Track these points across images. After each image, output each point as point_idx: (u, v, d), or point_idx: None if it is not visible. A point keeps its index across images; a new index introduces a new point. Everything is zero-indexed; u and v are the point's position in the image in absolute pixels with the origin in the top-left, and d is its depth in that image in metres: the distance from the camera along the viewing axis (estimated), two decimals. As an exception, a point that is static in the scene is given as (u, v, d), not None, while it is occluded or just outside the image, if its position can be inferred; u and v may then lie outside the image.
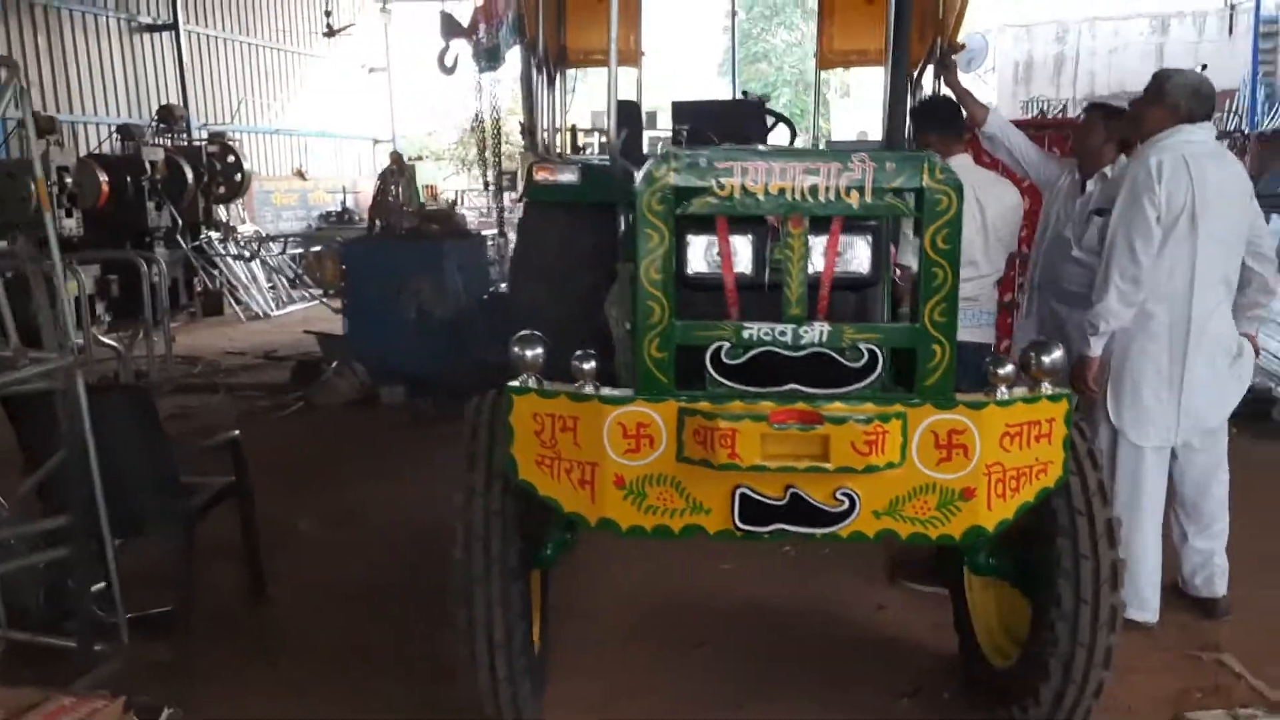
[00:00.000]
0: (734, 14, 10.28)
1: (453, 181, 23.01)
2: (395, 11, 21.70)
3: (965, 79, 4.93)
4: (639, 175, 2.46)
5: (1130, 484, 3.71)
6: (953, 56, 4.79)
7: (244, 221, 15.45)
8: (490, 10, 8.02)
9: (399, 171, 8.21)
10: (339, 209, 18.01)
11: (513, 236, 11.05)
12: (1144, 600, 3.73)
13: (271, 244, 14.65)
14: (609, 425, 2.47)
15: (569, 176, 4.69)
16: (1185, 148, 3.55)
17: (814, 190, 2.38)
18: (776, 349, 2.45)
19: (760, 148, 2.85)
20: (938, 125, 4.09)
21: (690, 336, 2.46)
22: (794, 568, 4.42)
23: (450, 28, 7.84)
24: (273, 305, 13.75)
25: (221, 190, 14.30)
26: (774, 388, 2.46)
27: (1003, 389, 2.50)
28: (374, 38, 21.46)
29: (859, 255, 2.68)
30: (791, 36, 35.98)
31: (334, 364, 8.19)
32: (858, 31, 5.63)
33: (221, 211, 14.44)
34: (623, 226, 4.34)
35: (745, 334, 2.46)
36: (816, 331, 2.45)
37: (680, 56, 35.03)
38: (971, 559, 3.13)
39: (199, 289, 13.27)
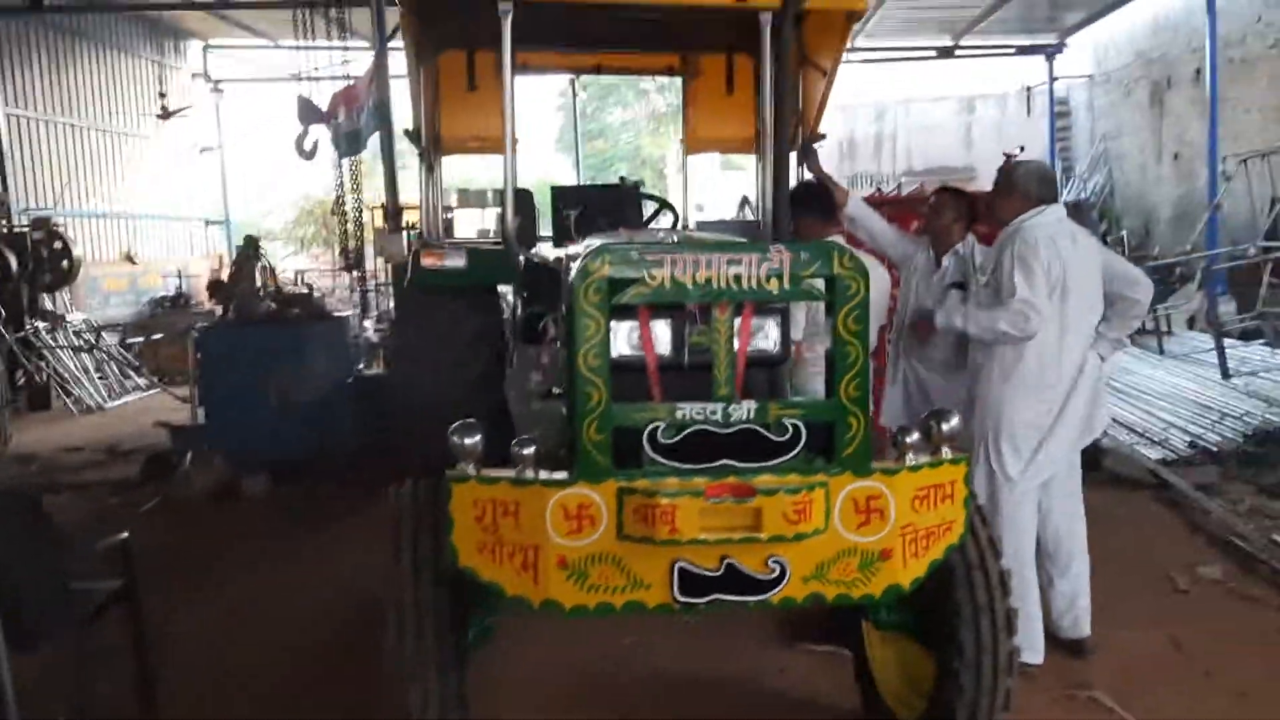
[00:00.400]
0: (575, 95, 10.51)
1: (290, 261, 22.53)
2: (226, 91, 21.30)
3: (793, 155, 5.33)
4: (574, 268, 2.59)
5: (1011, 528, 4.03)
6: (814, 145, 5.14)
7: (69, 310, 14.73)
8: (350, 96, 8.12)
9: (254, 255, 8.08)
10: (173, 293, 17.36)
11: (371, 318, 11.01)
12: (1031, 642, 4.01)
13: (105, 334, 13.99)
14: (551, 508, 2.55)
15: (456, 261, 4.75)
16: (1047, 229, 3.95)
17: (738, 279, 2.56)
18: (708, 427, 2.60)
19: (682, 240, 3.02)
20: (813, 210, 4.39)
21: (627, 419, 2.58)
22: (693, 637, 4.52)
23: (309, 113, 7.88)
24: (106, 396, 13.11)
25: (48, 278, 13.63)
26: (705, 464, 2.59)
27: (910, 455, 2.71)
28: (205, 117, 20.97)
29: (771, 335, 2.89)
30: (626, 114, 37.01)
31: (190, 456, 7.91)
32: (721, 120, 5.95)
33: (48, 300, 13.73)
34: (518, 310, 4.45)
35: (679, 414, 2.60)
36: (744, 409, 2.61)
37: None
38: (875, 616, 3.34)
39: (20, 382, 12.55)
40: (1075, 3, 17.95)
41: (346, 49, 15.30)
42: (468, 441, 2.63)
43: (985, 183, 4.52)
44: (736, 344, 2.71)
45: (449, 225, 14.79)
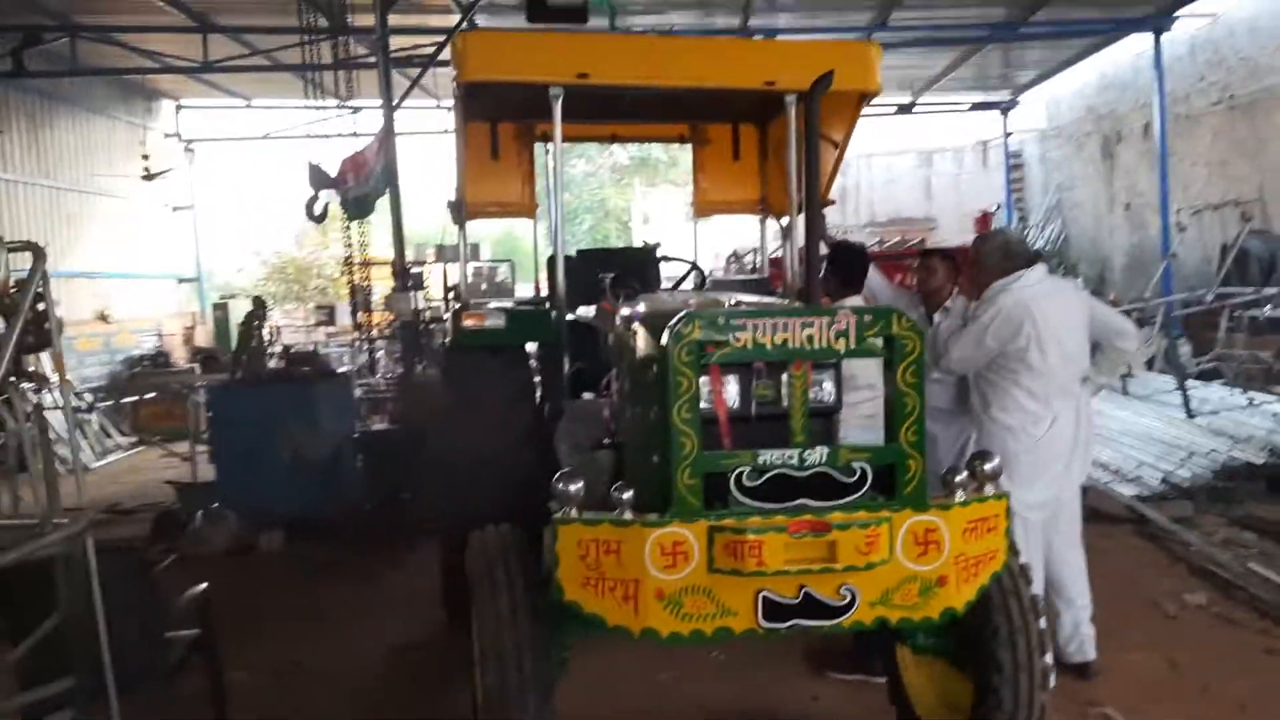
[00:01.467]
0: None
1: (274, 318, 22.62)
2: (198, 150, 21.52)
3: None
4: (666, 333, 2.91)
5: (1033, 557, 4.39)
6: (823, 212, 5.53)
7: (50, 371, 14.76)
8: (359, 161, 8.45)
9: (262, 315, 8.31)
10: (152, 352, 17.43)
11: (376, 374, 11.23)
12: None
13: (87, 395, 14.07)
14: (650, 545, 2.87)
15: (497, 322, 5.05)
16: (1023, 292, 4.42)
17: (810, 339, 2.92)
18: (788, 470, 2.94)
19: (760, 307, 3.37)
20: (840, 270, 4.76)
21: (717, 465, 2.92)
22: (726, 670, 4.83)
23: (319, 179, 8.18)
24: (94, 457, 13.16)
25: (31, 339, 13.66)
26: (784, 503, 2.93)
27: (960, 492, 3.07)
28: (177, 176, 21.14)
29: (827, 388, 3.23)
30: (590, 166, 37.64)
31: (201, 513, 8.08)
32: (728, 184, 6.35)
33: (32, 361, 13.76)
34: (566, 367, 4.76)
35: (761, 459, 2.93)
36: (818, 454, 2.95)
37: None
38: (912, 640, 3.66)
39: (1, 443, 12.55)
40: (1027, 62, 18.76)
41: (323, 108, 15.73)
42: (571, 488, 2.94)
43: (944, 231, 4.99)
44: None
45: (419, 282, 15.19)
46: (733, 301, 3.76)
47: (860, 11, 14.06)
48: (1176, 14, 14.68)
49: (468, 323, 5.06)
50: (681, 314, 2.92)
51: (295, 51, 14.13)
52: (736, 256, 13.44)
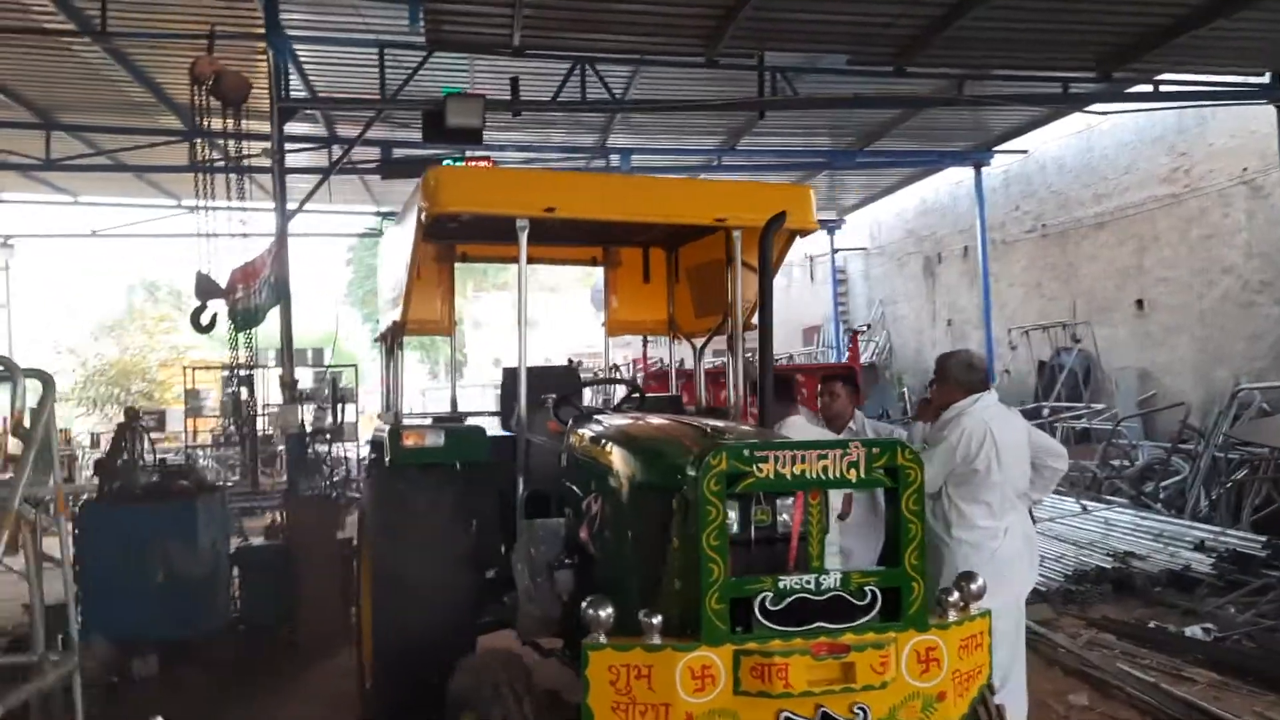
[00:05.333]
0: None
1: (83, 422, 21.29)
2: (18, 246, 20.38)
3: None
4: (690, 463, 3.07)
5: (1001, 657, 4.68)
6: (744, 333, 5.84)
7: None
8: (249, 272, 8.28)
9: (135, 427, 7.90)
10: (-37, 461, 16.16)
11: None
12: None
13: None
14: (680, 669, 2.97)
15: (436, 440, 5.07)
16: (984, 412, 4.80)
17: (825, 470, 3.14)
18: (805, 594, 3.11)
19: (779, 441, 3.56)
20: (782, 394, 5.05)
21: (742, 590, 3.07)
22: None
23: (207, 288, 7.96)
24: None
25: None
26: (802, 626, 3.09)
27: (953, 612, 3.31)
28: (-8, 273, 19.99)
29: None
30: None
31: (59, 638, 7.52)
32: (639, 305, 6.60)
33: None
34: (521, 489, 4.81)
35: (781, 584, 3.10)
36: (833, 578, 3.15)
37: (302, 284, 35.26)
38: None
39: None
40: (852, 186, 20.21)
41: (155, 205, 15.08)
42: (602, 614, 3.03)
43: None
44: (792, 519, 3.26)
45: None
46: (678, 422, 3.97)
47: (713, 135, 14.82)
48: (995, 150, 16.15)
49: (407, 441, 5.06)
50: (710, 446, 3.09)
51: (143, 153, 13.83)
52: (617, 368, 13.73)
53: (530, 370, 4.99)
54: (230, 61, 8.20)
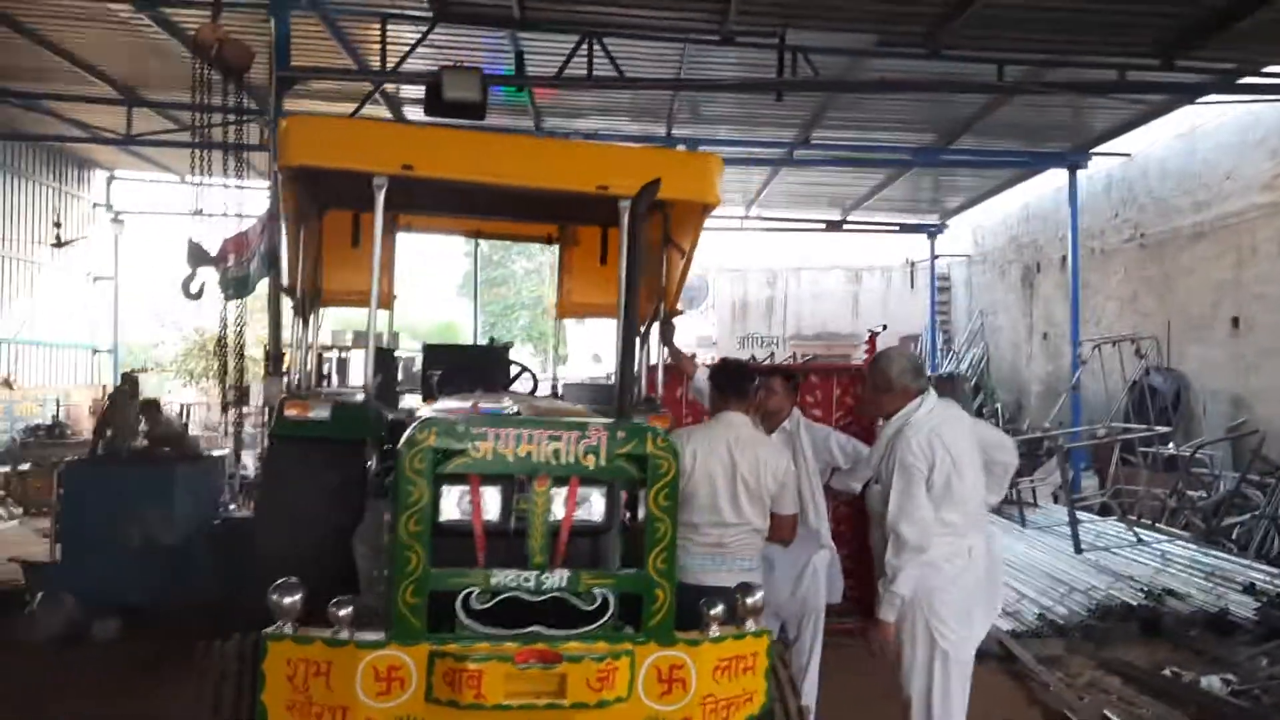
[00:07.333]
0: (475, 247, 10.89)
1: (179, 394, 22.07)
2: (128, 221, 21.24)
3: (692, 314, 5.56)
4: (403, 437, 2.73)
5: (958, 698, 4.12)
6: (672, 320, 5.42)
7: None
8: (241, 242, 8.27)
9: (132, 393, 8.00)
10: (49, 422, 16.88)
11: (248, 459, 10.87)
12: None
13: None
14: (362, 669, 2.63)
15: (321, 413, 4.82)
16: (929, 419, 4.17)
17: (556, 454, 2.74)
18: (521, 594, 2.72)
19: (511, 415, 3.17)
20: (727, 386, 4.56)
21: (443, 583, 2.70)
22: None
23: (198, 256, 7.96)
24: (-37, 527, 12.58)
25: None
26: (518, 629, 2.71)
27: (715, 627, 2.86)
28: (103, 246, 20.85)
29: (595, 507, 3.04)
30: (531, 264, 37.75)
31: (41, 595, 7.63)
32: (594, 287, 6.23)
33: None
34: (373, 464, 4.53)
35: (494, 580, 2.72)
36: (557, 577, 2.75)
37: (421, 274, 35.97)
38: None
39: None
40: (955, 187, 19.19)
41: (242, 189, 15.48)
42: (286, 600, 2.70)
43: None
44: (562, 513, 2.87)
45: (344, 369, 14.84)
46: (525, 407, 3.59)
47: (785, 128, 14.27)
48: (1092, 152, 15.09)
49: (290, 411, 4.83)
50: (420, 419, 2.74)
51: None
52: (599, 359, 13.37)
53: (460, 348, 4.73)
54: (234, 31, 8.18)
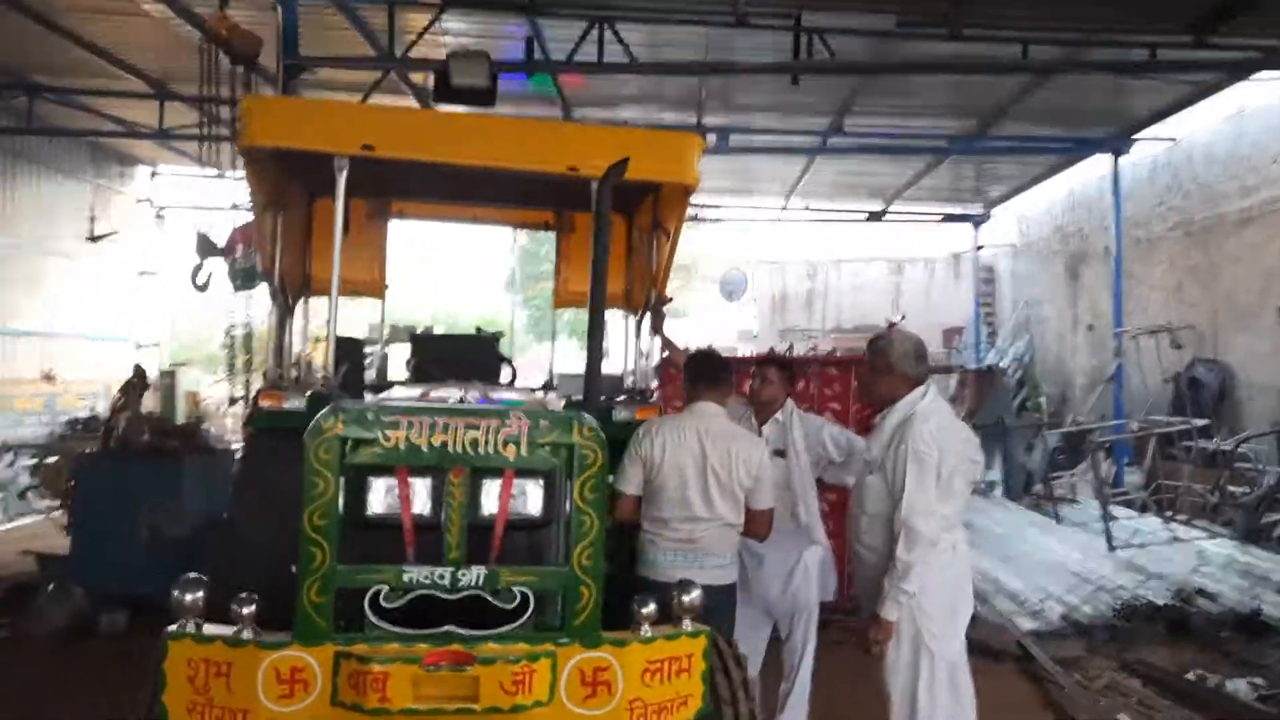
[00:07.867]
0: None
1: (221, 388, 22.28)
2: (170, 216, 21.48)
3: (732, 306, 5.32)
4: (309, 426, 2.60)
5: (941, 697, 3.96)
6: (662, 308, 5.24)
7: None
8: (249, 232, 8.22)
9: (139, 385, 8.00)
10: (88, 415, 17.10)
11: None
12: None
13: (15, 454, 13.75)
14: (264, 670, 2.50)
15: (295, 404, 4.71)
16: (934, 408, 3.99)
17: (474, 443, 2.58)
18: (435, 592, 2.57)
19: (424, 404, 3.03)
20: (704, 377, 4.36)
21: (351, 580, 2.56)
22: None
23: (206, 247, 7.94)
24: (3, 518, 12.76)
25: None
26: (431, 629, 2.56)
27: (646, 627, 2.69)
28: (148, 241, 21.10)
29: (531, 499, 2.88)
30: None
31: (50, 587, 7.65)
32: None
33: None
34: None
35: (405, 577, 2.57)
36: (474, 574, 2.59)
37: (466, 268, 36.13)
38: None
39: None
40: (999, 175, 18.73)
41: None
42: (188, 597, 2.58)
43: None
44: (496, 507, 2.72)
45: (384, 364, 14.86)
46: (474, 396, 3.44)
47: (818, 116, 13.98)
48: (1135, 137, 14.62)
49: (265, 403, 4.74)
50: (328, 407, 2.60)
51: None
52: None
53: (447, 338, 4.61)
54: (246, 22, 8.13)
